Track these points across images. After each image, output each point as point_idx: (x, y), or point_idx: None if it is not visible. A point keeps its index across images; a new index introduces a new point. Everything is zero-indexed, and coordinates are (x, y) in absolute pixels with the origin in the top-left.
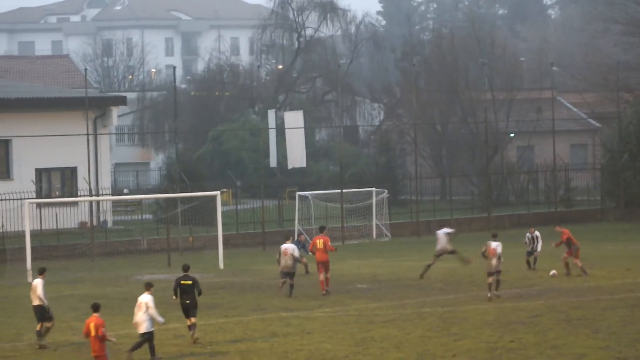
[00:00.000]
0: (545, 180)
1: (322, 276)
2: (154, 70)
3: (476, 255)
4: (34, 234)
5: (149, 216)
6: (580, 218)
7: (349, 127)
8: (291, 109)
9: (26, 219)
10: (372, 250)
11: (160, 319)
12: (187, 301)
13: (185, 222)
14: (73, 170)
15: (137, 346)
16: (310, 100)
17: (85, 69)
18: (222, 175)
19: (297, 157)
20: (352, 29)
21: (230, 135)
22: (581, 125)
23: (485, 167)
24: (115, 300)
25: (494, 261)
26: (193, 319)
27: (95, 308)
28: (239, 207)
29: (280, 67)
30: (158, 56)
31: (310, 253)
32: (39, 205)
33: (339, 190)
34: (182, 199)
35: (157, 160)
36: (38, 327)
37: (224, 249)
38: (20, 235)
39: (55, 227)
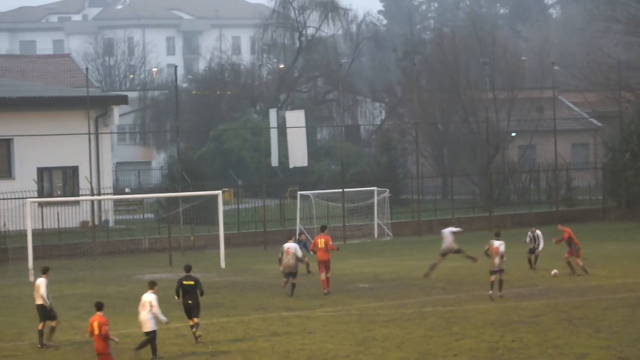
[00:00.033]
0: (547, 179)
1: (323, 275)
2: (155, 69)
3: (479, 254)
4: (35, 233)
5: (150, 215)
6: (582, 217)
7: (351, 126)
8: (292, 108)
9: (28, 218)
10: (374, 250)
11: (163, 318)
12: (190, 301)
13: (187, 222)
14: (75, 170)
15: (143, 345)
16: (311, 99)
17: (87, 68)
18: (223, 174)
19: (298, 156)
20: (354, 28)
21: (231, 134)
22: (583, 125)
23: (487, 166)
24: (117, 299)
25: (496, 260)
26: (196, 319)
27: (99, 307)
28: (240, 207)
29: (281, 66)
30: (159, 55)
31: (311, 252)
32: (40, 204)
33: (341, 190)
34: (184, 198)
35: (158, 160)
36: (40, 327)
37: (225, 248)
38: (22, 234)
39: (56, 226)
